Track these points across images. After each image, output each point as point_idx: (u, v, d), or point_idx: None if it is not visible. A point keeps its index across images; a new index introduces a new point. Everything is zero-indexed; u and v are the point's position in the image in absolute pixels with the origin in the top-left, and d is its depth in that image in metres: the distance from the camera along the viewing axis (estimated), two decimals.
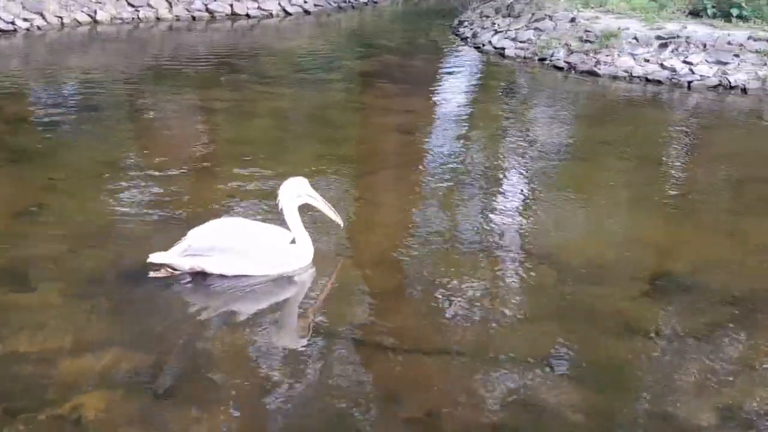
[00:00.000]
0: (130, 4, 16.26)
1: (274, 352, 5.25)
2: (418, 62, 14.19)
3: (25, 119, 10.11)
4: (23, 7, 15.20)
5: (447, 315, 5.66)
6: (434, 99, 11.89)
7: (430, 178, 8.37)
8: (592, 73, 12.69)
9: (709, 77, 12.01)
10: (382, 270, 6.32)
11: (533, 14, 14.75)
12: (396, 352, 5.24)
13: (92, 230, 6.80)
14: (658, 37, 12.84)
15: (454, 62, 14.64)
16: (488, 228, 7.13)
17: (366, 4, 19.41)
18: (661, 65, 12.42)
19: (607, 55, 12.85)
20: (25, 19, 15.09)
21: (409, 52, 14.74)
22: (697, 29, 12.91)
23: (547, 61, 13.33)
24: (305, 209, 6.34)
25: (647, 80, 12.31)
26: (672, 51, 12.58)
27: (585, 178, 8.63)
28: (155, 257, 5.86)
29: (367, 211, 7.47)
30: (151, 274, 5.92)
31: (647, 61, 12.58)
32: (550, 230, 7.13)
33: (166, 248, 5.92)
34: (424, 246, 6.68)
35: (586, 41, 13.31)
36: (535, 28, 14.27)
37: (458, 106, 11.64)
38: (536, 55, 13.60)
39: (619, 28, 13.20)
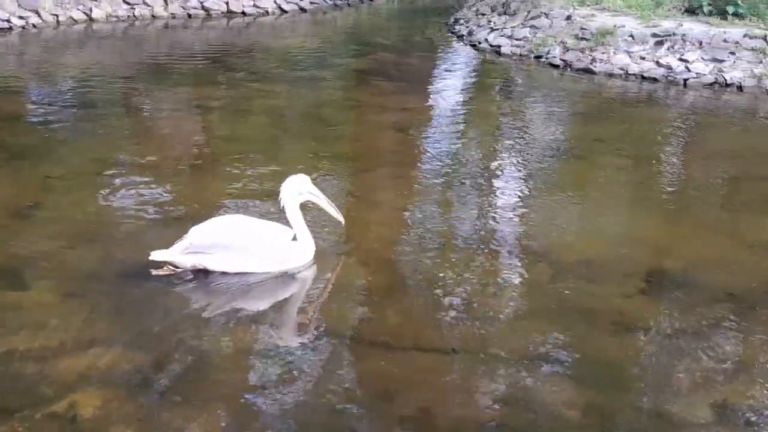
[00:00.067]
0: (125, 2, 16.22)
1: (274, 350, 5.25)
2: (414, 60, 14.18)
3: (21, 117, 10.10)
4: (19, 5, 15.16)
5: (443, 312, 5.66)
6: (430, 97, 11.88)
7: (425, 176, 8.37)
8: (587, 71, 12.70)
9: (704, 75, 12.02)
10: (378, 267, 6.33)
11: (529, 12, 14.75)
12: (392, 350, 5.24)
13: (89, 228, 6.80)
14: (654, 35, 12.85)
15: (450, 60, 14.65)
16: (484, 225, 7.15)
17: (362, 1, 19.40)
18: (657, 63, 12.43)
19: (602, 53, 12.86)
20: (20, 17, 15.06)
21: (405, 50, 14.74)
22: (693, 27, 12.92)
23: (543, 59, 13.33)
24: (305, 207, 6.34)
25: (643, 78, 12.32)
26: (668, 49, 12.60)
27: (581, 176, 8.64)
28: (157, 255, 5.85)
29: (362, 209, 7.47)
30: (153, 271, 5.92)
31: (643, 58, 12.59)
32: (546, 228, 7.14)
33: (166, 246, 5.91)
34: (420, 244, 6.69)
35: (582, 39, 13.32)
36: (531, 26, 14.27)
37: (454, 104, 11.63)
38: (532, 52, 13.61)
39: (614, 26, 13.20)
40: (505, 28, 14.69)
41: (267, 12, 17.30)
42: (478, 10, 16.38)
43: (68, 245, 6.45)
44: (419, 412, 4.67)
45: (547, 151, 9.20)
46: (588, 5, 14.53)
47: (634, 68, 12.46)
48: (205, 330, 5.40)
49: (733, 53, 12.21)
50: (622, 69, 12.51)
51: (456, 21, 16.56)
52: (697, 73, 12.06)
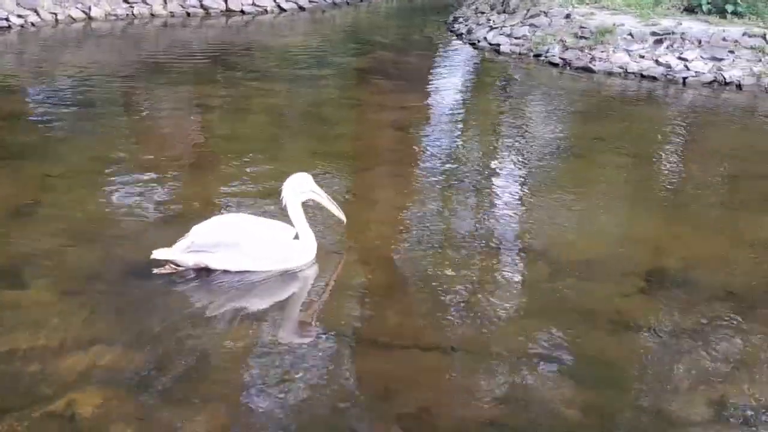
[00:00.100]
0: (124, 1, 16.23)
1: (274, 349, 5.24)
2: (413, 59, 14.18)
3: (20, 116, 10.09)
4: (17, 4, 15.16)
5: (443, 311, 5.66)
6: (429, 95, 11.88)
7: (425, 175, 8.37)
8: (587, 70, 12.70)
9: (704, 73, 12.03)
10: (378, 266, 6.33)
11: (528, 10, 14.75)
12: (392, 349, 5.25)
13: (89, 227, 6.80)
14: (653, 33, 12.85)
15: (449, 59, 14.65)
16: (483, 224, 7.15)
17: (361, 0, 19.40)
18: (656, 61, 12.43)
19: (602, 52, 12.86)
20: (19, 16, 15.06)
21: (403, 49, 14.74)
22: (692, 25, 12.92)
23: (542, 58, 13.33)
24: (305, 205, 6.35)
25: (642, 76, 12.32)
26: (667, 47, 12.60)
27: (580, 175, 8.64)
28: (159, 253, 5.85)
29: (361, 208, 7.47)
30: (155, 270, 5.92)
31: (642, 57, 12.60)
32: (544, 226, 7.14)
33: (166, 244, 5.91)
34: (420, 242, 6.69)
35: (581, 37, 13.32)
36: (531, 25, 14.27)
37: (453, 103, 11.64)
38: (531, 51, 13.61)
39: (614, 25, 13.21)
40: (504, 26, 14.69)
41: (266, 10, 17.30)
42: (477, 8, 16.38)
43: (68, 244, 6.46)
44: (419, 411, 4.67)
45: (547, 150, 9.20)
46: (587, 4, 14.53)
47: (633, 67, 12.46)
48: (205, 329, 5.39)
49: (732, 52, 12.22)
50: (621, 67, 12.51)
51: (455, 19, 16.56)
52: (696, 72, 12.07)
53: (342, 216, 6.39)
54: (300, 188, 6.17)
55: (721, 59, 12.15)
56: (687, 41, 12.52)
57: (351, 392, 4.86)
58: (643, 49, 12.73)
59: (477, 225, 7.14)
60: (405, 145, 9.49)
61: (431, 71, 13.47)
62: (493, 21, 15.17)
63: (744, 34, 12.42)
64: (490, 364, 5.11)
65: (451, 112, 11.11)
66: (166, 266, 5.93)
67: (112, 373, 4.86)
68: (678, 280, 6.21)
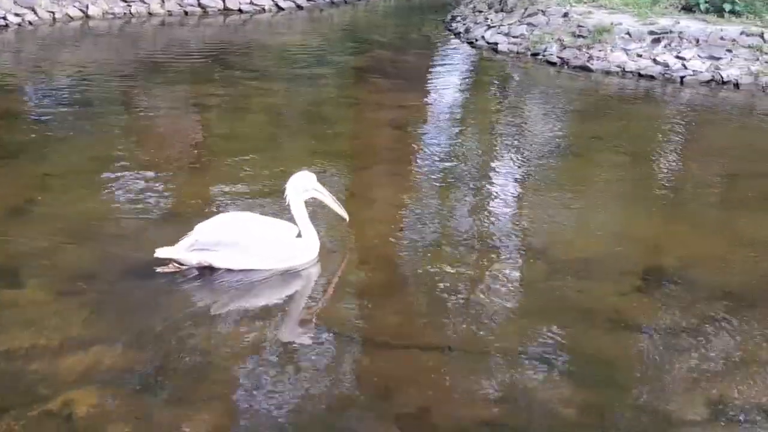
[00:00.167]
0: None
1: (274, 348, 5.25)
2: (411, 57, 14.18)
3: (18, 115, 10.09)
4: (15, 2, 15.14)
5: (442, 310, 5.67)
6: (427, 94, 11.88)
7: (423, 173, 8.38)
8: (584, 69, 12.70)
9: (701, 72, 12.04)
10: (378, 265, 6.34)
11: (526, 9, 14.76)
12: (392, 348, 5.26)
13: (87, 226, 6.80)
14: (651, 32, 12.86)
15: (447, 57, 14.64)
16: (482, 223, 7.15)
17: None
18: (654, 60, 12.44)
19: (599, 51, 12.87)
20: (16, 14, 15.04)
21: (401, 48, 14.74)
22: (690, 24, 12.93)
23: (539, 56, 13.34)
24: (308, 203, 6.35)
25: (640, 75, 12.33)
26: (665, 46, 12.61)
27: (578, 173, 8.65)
28: (162, 252, 5.84)
29: (360, 206, 7.47)
30: (158, 269, 5.92)
31: (640, 56, 12.60)
32: (543, 225, 7.15)
33: (167, 243, 5.90)
34: (418, 241, 6.69)
35: (579, 36, 13.32)
36: (528, 23, 14.28)
37: (451, 101, 11.64)
38: (529, 50, 13.61)
39: (611, 23, 13.22)
40: (502, 25, 14.69)
41: (263, 9, 17.29)
42: (475, 7, 16.38)
43: (67, 242, 6.45)
44: (419, 411, 4.68)
45: (545, 149, 9.21)
46: (585, 3, 14.54)
47: (631, 66, 12.47)
48: (207, 328, 5.40)
49: (729, 51, 12.23)
50: (619, 66, 12.51)
51: (453, 18, 16.56)
52: (693, 71, 12.08)
53: (345, 215, 6.39)
54: (303, 187, 6.17)
55: (718, 58, 12.16)
56: (685, 40, 12.53)
57: (351, 392, 4.87)
58: (640, 48, 12.73)
59: (475, 224, 7.14)
60: (403, 143, 9.50)
61: (429, 70, 13.47)
62: (491, 20, 15.18)
63: (742, 33, 12.43)
64: (489, 363, 5.12)
65: (449, 110, 11.12)
66: (170, 265, 5.93)
67: (111, 373, 4.86)
68: (676, 278, 6.21)
